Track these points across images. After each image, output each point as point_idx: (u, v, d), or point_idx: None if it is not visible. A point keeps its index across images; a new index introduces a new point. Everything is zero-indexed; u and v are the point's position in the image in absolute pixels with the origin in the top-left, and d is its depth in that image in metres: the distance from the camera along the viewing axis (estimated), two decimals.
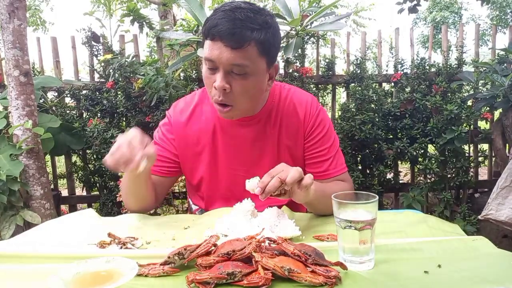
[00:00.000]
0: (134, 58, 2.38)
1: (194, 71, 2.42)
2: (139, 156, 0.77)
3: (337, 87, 2.65)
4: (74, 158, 2.61)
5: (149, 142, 0.83)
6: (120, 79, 2.29)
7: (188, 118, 1.02)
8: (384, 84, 2.64)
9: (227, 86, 0.85)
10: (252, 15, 0.83)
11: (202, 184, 1.06)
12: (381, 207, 2.40)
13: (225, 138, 1.01)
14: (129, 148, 0.78)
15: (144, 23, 2.44)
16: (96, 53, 2.47)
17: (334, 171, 1.02)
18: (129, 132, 0.81)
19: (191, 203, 1.19)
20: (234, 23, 0.81)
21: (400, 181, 2.64)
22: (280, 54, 2.38)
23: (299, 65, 2.44)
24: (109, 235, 0.81)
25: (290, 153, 1.02)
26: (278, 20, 1.92)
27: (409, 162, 2.59)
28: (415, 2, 3.47)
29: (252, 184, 0.80)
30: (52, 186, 2.42)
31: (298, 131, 1.02)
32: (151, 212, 2.05)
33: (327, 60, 2.55)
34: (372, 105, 2.38)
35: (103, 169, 2.42)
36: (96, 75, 2.53)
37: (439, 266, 0.67)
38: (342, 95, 3.83)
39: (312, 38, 2.46)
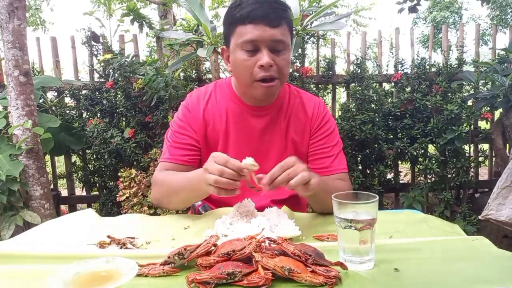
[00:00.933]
0: (134, 58, 2.38)
1: (194, 71, 2.42)
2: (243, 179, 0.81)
3: (337, 87, 2.65)
4: (74, 158, 2.61)
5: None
6: (119, 79, 2.29)
7: (205, 104, 1.06)
8: (384, 84, 2.63)
9: (272, 62, 0.92)
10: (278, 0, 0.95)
11: None
12: (381, 207, 2.40)
13: (237, 127, 1.05)
14: (231, 172, 0.79)
15: (144, 22, 2.44)
16: (96, 53, 2.47)
17: (335, 168, 1.05)
18: (217, 157, 0.82)
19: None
20: (269, 5, 0.91)
21: (401, 181, 2.64)
22: None
23: (299, 65, 2.44)
24: (109, 237, 0.81)
25: (295, 148, 1.07)
26: None
27: (409, 162, 2.59)
28: (415, 2, 3.47)
29: (249, 162, 0.81)
30: (51, 186, 2.42)
31: (305, 128, 1.07)
32: (151, 212, 2.06)
33: (327, 60, 2.55)
34: (373, 105, 2.38)
35: (103, 169, 2.42)
36: (96, 75, 2.53)
37: (439, 266, 0.67)
38: (342, 95, 3.83)
39: (312, 38, 2.46)
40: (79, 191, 2.77)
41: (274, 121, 1.05)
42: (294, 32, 1.92)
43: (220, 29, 1.81)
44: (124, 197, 2.05)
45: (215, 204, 1.10)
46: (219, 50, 2.03)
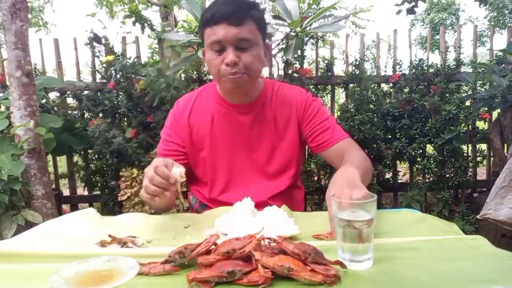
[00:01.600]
0: (136, 59, 2.39)
1: (195, 72, 2.43)
2: (173, 189, 0.84)
3: (336, 87, 2.66)
4: (76, 158, 2.61)
5: (173, 162, 0.88)
6: (121, 80, 2.30)
7: (190, 110, 1.12)
8: (382, 85, 2.64)
9: (237, 59, 0.95)
10: None
11: (205, 170, 1.13)
12: (379, 206, 2.40)
13: (224, 127, 1.09)
14: (160, 180, 0.82)
15: (145, 24, 2.45)
16: (98, 54, 2.48)
17: (337, 137, 1.08)
18: (153, 163, 0.86)
19: (191, 199, 1.22)
20: (233, 5, 0.95)
21: (399, 181, 2.65)
22: (280, 55, 2.39)
23: (299, 66, 2.45)
24: (110, 236, 0.82)
25: (284, 138, 1.10)
26: (278, 21, 1.94)
27: (407, 162, 2.60)
28: (413, 4, 3.48)
29: (176, 172, 0.84)
30: (53, 186, 2.43)
31: (291, 116, 1.10)
32: (152, 211, 2.06)
33: (326, 61, 2.55)
34: (371, 106, 2.39)
35: (105, 169, 2.43)
36: (98, 76, 2.54)
37: (437, 265, 0.67)
38: (341, 96, 3.84)
39: (311, 40, 2.47)
40: (81, 191, 2.77)
41: (260, 116, 1.09)
42: (293, 34, 1.93)
43: None
44: (126, 196, 2.06)
45: (214, 204, 1.11)
46: None
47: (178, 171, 0.84)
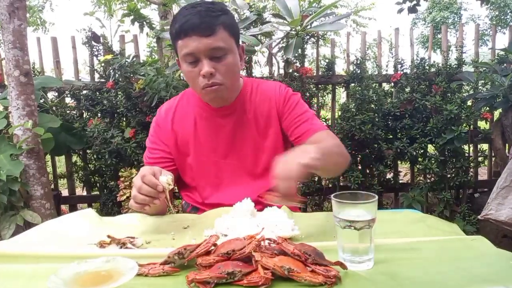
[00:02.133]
0: (134, 59, 2.38)
1: None
2: (162, 197, 0.84)
3: (337, 87, 2.65)
4: (75, 158, 2.61)
5: (160, 170, 0.89)
6: (120, 79, 2.30)
7: (172, 116, 1.11)
8: (384, 84, 2.64)
9: (212, 70, 0.94)
10: (211, 6, 0.95)
11: (192, 175, 1.12)
12: (380, 207, 2.40)
13: (206, 130, 1.09)
14: (148, 189, 0.83)
15: (144, 23, 2.44)
16: (96, 53, 2.48)
17: (315, 128, 1.06)
18: (140, 172, 0.87)
19: (184, 204, 1.22)
20: (200, 16, 0.92)
21: (400, 181, 2.64)
22: (280, 54, 2.39)
23: (299, 65, 2.44)
24: (109, 237, 0.81)
25: (267, 135, 1.09)
26: (278, 20, 1.94)
27: (409, 162, 2.59)
28: (414, 2, 3.47)
29: (164, 180, 0.84)
30: (52, 186, 2.43)
31: (271, 112, 1.09)
32: None
33: (327, 60, 2.55)
34: (372, 105, 2.38)
35: (103, 169, 2.42)
36: (96, 75, 2.53)
37: (438, 265, 0.67)
38: (342, 95, 3.84)
39: (312, 38, 2.46)
40: (80, 191, 2.77)
41: (241, 118, 1.08)
42: (294, 32, 1.93)
43: None
44: (125, 197, 2.06)
45: (207, 207, 1.10)
46: None
47: (165, 179, 0.84)
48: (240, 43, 1.05)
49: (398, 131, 2.46)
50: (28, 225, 1.83)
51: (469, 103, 2.48)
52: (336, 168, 1.02)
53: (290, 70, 2.38)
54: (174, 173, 1.07)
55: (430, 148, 2.50)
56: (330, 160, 0.91)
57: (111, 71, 2.32)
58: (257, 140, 1.09)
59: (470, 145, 2.56)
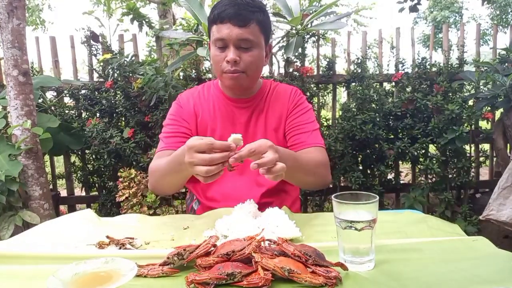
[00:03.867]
0: (133, 58, 2.38)
1: (193, 71, 2.41)
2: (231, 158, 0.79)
3: (337, 86, 2.64)
4: (73, 158, 2.60)
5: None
6: (119, 79, 2.29)
7: (194, 100, 1.16)
8: (385, 84, 2.63)
9: (237, 58, 1.00)
10: (250, 1, 1.02)
11: None
12: (381, 207, 2.39)
13: (223, 119, 1.13)
14: (222, 155, 0.78)
15: (143, 22, 2.43)
16: (95, 52, 2.47)
17: (311, 142, 1.09)
18: (188, 148, 0.80)
19: (187, 198, 1.22)
20: (238, 7, 0.99)
21: (401, 181, 2.63)
22: (280, 53, 2.38)
23: (300, 65, 2.43)
24: (108, 238, 0.81)
25: (276, 135, 1.13)
26: (278, 19, 1.93)
27: (410, 162, 2.58)
28: (415, 1, 3.47)
29: (238, 137, 0.80)
30: (51, 186, 2.42)
31: (282, 113, 1.14)
32: (151, 212, 2.05)
33: (327, 60, 2.54)
34: (373, 105, 2.37)
35: (102, 169, 2.42)
36: (95, 75, 2.53)
37: (439, 266, 0.66)
38: (342, 95, 3.83)
39: (312, 37, 2.45)
40: (79, 191, 2.76)
41: (256, 113, 1.13)
42: (294, 31, 1.92)
43: None
44: (124, 197, 2.05)
45: (209, 201, 1.12)
46: None
47: (238, 136, 0.80)
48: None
49: (399, 131, 2.45)
50: (26, 225, 1.83)
51: (470, 102, 2.48)
52: (301, 182, 1.06)
53: (291, 70, 2.38)
54: None
55: (432, 148, 2.49)
56: (297, 169, 0.93)
57: (110, 70, 2.31)
58: (263, 135, 1.11)
59: (472, 145, 2.55)
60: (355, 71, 2.48)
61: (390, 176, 2.59)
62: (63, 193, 2.74)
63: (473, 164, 2.48)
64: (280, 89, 1.17)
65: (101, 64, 2.41)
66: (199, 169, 0.77)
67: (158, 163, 1.03)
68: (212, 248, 0.67)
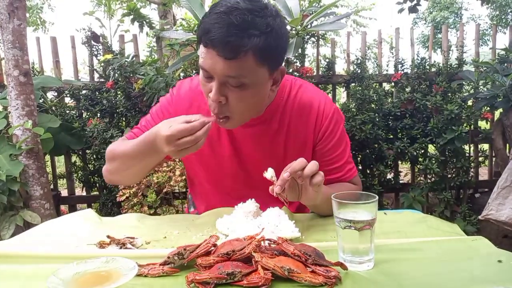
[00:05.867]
0: (134, 58, 2.38)
1: (194, 71, 2.42)
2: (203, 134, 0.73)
3: (337, 87, 2.65)
4: (74, 158, 2.60)
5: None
6: (120, 79, 2.29)
7: (190, 103, 0.94)
8: (384, 84, 2.63)
9: (222, 99, 0.78)
10: (250, 18, 0.74)
11: (201, 179, 1.03)
12: (381, 207, 2.39)
13: (225, 134, 0.94)
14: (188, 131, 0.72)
15: (144, 22, 2.44)
16: (96, 53, 2.47)
17: (344, 177, 0.97)
18: (170, 131, 0.74)
19: (190, 199, 1.18)
20: (228, 30, 0.72)
21: (400, 181, 2.64)
22: None
23: (299, 65, 2.43)
24: (108, 237, 0.81)
25: (298, 156, 0.86)
26: None
27: (409, 162, 2.59)
28: (415, 2, 3.47)
29: (270, 173, 0.78)
30: (51, 186, 2.42)
31: (307, 136, 0.94)
32: (151, 212, 2.05)
33: (327, 60, 2.54)
34: (373, 105, 2.38)
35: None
36: (96, 75, 2.53)
37: (438, 266, 0.66)
38: (342, 95, 3.83)
39: (312, 38, 2.46)
40: (79, 191, 2.77)
41: (268, 129, 0.93)
42: (294, 32, 1.92)
43: None
44: (124, 197, 2.05)
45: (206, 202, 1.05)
46: None
47: (270, 173, 0.76)
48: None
49: (398, 131, 2.45)
50: (27, 225, 1.83)
51: (469, 103, 2.48)
52: (329, 213, 0.82)
53: (290, 70, 2.38)
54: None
55: (431, 148, 2.49)
56: (326, 206, 0.78)
57: (110, 71, 2.31)
58: (283, 157, 0.94)
59: (471, 145, 2.55)
60: (354, 71, 2.48)
61: (390, 176, 2.59)
62: (64, 193, 2.75)
63: (472, 164, 2.48)
64: (305, 99, 0.93)
65: (102, 64, 2.41)
66: (179, 142, 0.72)
67: (117, 147, 0.90)
68: (212, 248, 0.67)
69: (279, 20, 0.80)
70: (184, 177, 2.00)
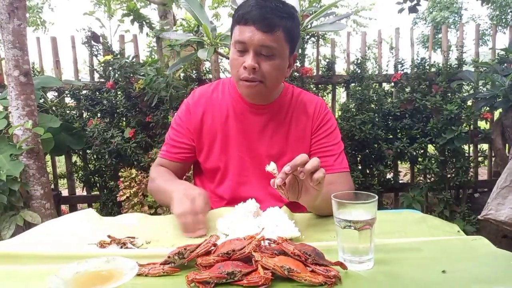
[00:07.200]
0: (134, 59, 2.38)
1: (194, 71, 2.42)
2: (202, 232, 0.85)
3: (337, 87, 2.65)
4: (74, 158, 2.61)
5: (208, 205, 0.90)
6: (120, 79, 2.30)
7: (205, 105, 1.09)
8: (384, 84, 2.64)
9: (256, 65, 0.93)
10: (280, 5, 0.94)
11: (215, 168, 1.11)
12: (380, 207, 2.40)
13: (236, 123, 1.07)
14: (194, 218, 0.84)
15: (144, 23, 2.44)
16: (96, 53, 2.47)
17: (337, 167, 1.04)
18: (195, 197, 0.88)
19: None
20: (265, 10, 0.91)
21: (400, 181, 2.64)
22: None
23: (299, 65, 2.44)
24: (109, 237, 0.81)
25: (297, 148, 1.06)
26: None
27: (409, 162, 2.59)
28: (415, 2, 3.47)
29: (272, 166, 0.81)
30: (52, 186, 2.43)
31: (306, 128, 1.08)
32: (151, 212, 2.05)
33: (327, 60, 2.55)
34: (372, 105, 2.38)
35: (103, 169, 2.42)
36: (96, 75, 2.53)
37: (438, 266, 0.67)
38: (342, 95, 3.84)
39: (312, 38, 2.46)
40: (80, 191, 2.77)
41: (274, 120, 1.07)
42: None
43: (220, 29, 1.81)
44: (125, 197, 2.06)
45: (219, 199, 1.11)
46: (219, 50, 2.03)
47: (272, 166, 0.81)
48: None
49: (398, 131, 2.46)
50: (28, 225, 1.83)
51: (469, 103, 2.48)
52: (326, 212, 0.94)
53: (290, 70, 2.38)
54: (188, 161, 1.13)
55: (430, 148, 2.50)
56: (325, 205, 0.84)
57: (111, 71, 2.32)
58: (285, 147, 1.07)
59: (470, 145, 2.56)
60: (354, 71, 2.48)
61: (389, 175, 2.60)
62: (65, 192, 2.75)
63: (471, 164, 2.49)
64: (306, 98, 1.10)
65: (102, 64, 2.42)
66: (181, 222, 0.85)
67: (156, 179, 1.07)
68: (213, 247, 0.68)
69: (297, 14, 1.00)
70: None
